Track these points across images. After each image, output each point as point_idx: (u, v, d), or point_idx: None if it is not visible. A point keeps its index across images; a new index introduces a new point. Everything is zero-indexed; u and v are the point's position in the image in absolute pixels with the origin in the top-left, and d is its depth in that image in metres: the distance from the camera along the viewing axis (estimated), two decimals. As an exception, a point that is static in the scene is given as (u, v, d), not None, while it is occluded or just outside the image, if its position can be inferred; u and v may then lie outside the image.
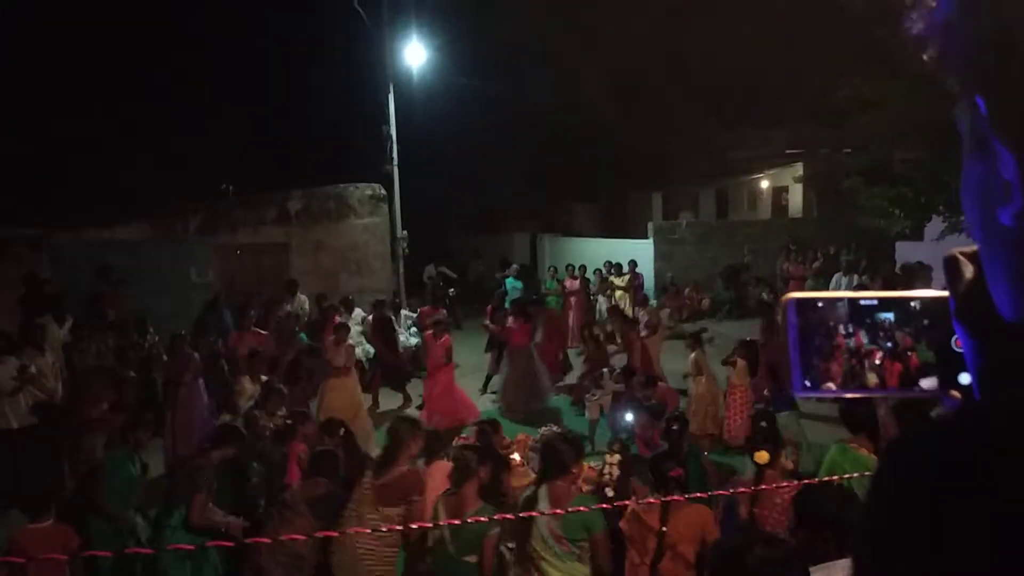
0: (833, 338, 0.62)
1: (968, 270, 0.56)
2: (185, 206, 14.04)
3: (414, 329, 13.63)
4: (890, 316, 0.62)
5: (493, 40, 21.27)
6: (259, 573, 4.36)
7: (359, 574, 4.33)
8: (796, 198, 21.85)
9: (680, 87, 21.05)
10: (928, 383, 0.61)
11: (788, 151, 20.88)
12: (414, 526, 4.15)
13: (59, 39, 16.84)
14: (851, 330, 0.62)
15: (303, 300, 12.66)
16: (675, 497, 3.73)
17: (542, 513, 3.62)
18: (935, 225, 12.01)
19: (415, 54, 14.61)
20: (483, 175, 26.10)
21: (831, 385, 0.62)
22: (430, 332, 9.76)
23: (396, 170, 14.52)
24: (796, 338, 0.63)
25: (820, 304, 0.63)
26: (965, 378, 0.59)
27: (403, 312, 13.80)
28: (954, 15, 0.51)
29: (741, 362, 8.13)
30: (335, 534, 4.11)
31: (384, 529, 4.08)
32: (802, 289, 11.82)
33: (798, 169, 20.60)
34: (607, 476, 5.13)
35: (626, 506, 3.98)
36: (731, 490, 4.10)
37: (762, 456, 4.14)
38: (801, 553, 2.55)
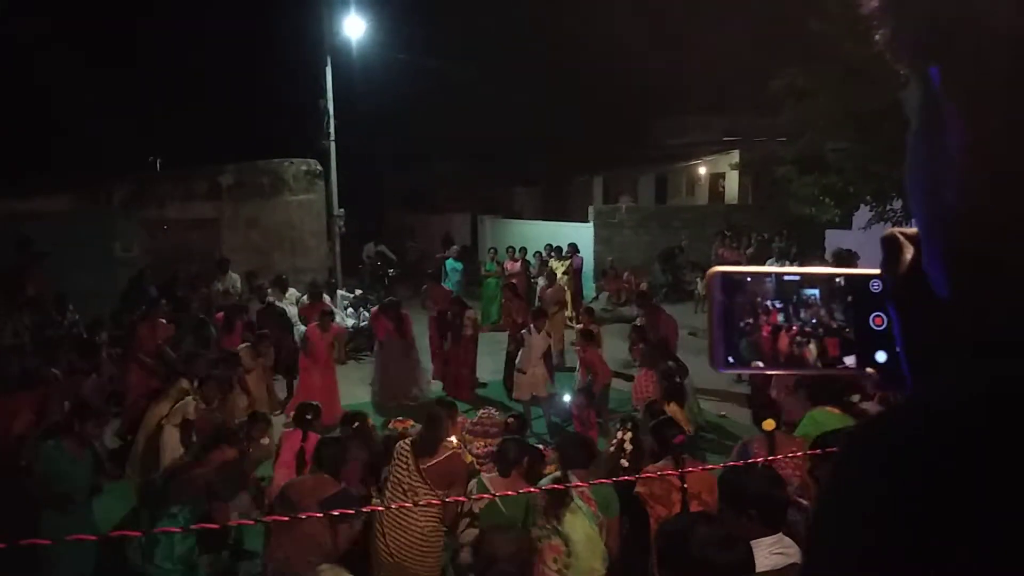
0: (758, 314, 0.59)
1: (908, 251, 0.57)
2: (110, 178, 13.41)
3: (350, 311, 13.43)
4: (815, 292, 0.60)
5: (436, 16, 20.99)
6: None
7: (411, 561, 4.29)
8: (732, 185, 22.34)
9: (621, 73, 21.20)
10: (850, 360, 0.60)
11: (725, 138, 21.30)
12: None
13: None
14: (776, 306, 0.60)
15: (235, 278, 12.29)
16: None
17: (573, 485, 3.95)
18: (863, 214, 12.44)
19: (353, 26, 14.25)
20: (423, 154, 25.86)
21: (758, 363, 0.59)
22: (315, 325, 9.13)
23: (333, 146, 14.19)
24: (721, 313, 0.60)
25: (747, 279, 0.60)
26: (881, 356, 0.60)
27: (339, 292, 13.57)
28: None
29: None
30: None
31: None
32: (736, 274, 12.09)
33: (735, 156, 21.03)
34: (624, 451, 5.24)
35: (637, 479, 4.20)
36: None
37: (769, 424, 4.41)
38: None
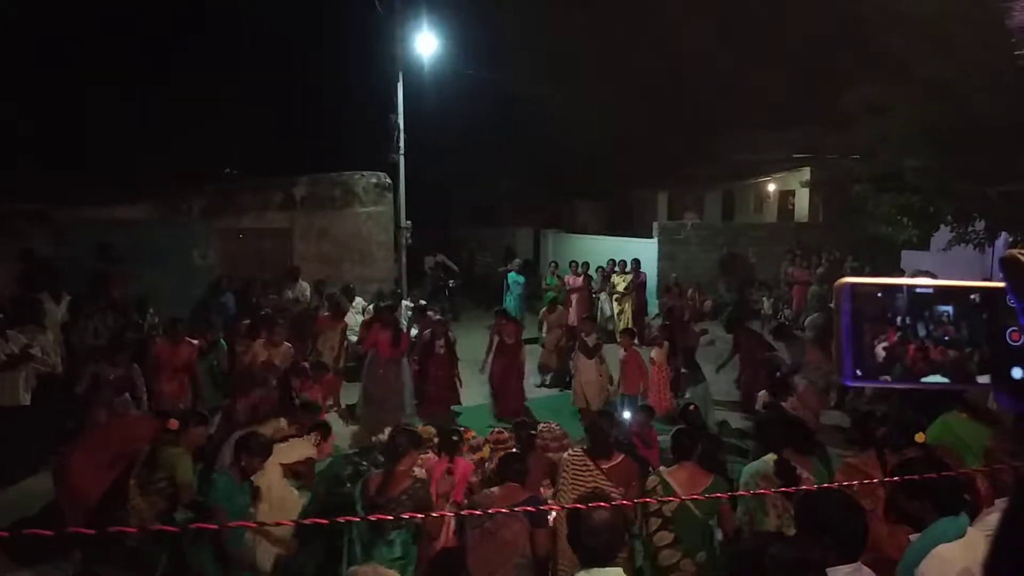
0: (889, 328, 0.58)
1: None
2: (190, 188, 13.98)
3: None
4: (948, 309, 0.59)
5: (504, 34, 21.21)
6: None
7: None
8: (802, 202, 21.79)
9: (689, 88, 20.98)
10: (984, 377, 0.58)
11: (796, 155, 20.80)
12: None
13: (77, 13, 16.74)
14: (908, 320, 0.58)
15: (304, 287, 12.64)
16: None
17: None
18: (942, 235, 11.96)
19: (426, 44, 14.50)
20: (489, 168, 26.08)
21: (886, 377, 0.58)
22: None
23: (402, 160, 14.43)
24: (849, 325, 0.59)
25: (878, 292, 0.59)
26: (1018, 372, 0.59)
27: (404, 303, 13.76)
28: None
29: (665, 344, 9.39)
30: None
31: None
32: (805, 293, 11.80)
33: (805, 174, 20.53)
34: None
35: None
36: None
37: (920, 436, 4.33)
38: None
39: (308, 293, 12.61)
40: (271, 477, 5.08)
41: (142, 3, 18.11)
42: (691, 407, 6.84)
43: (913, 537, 2.84)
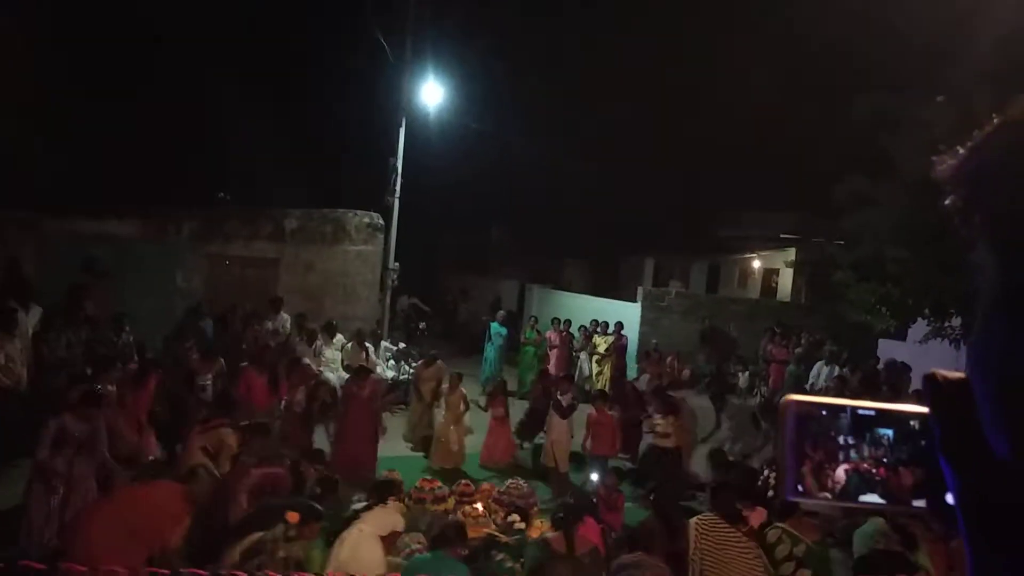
0: (830, 447, 0.62)
1: (953, 400, 0.56)
2: (182, 209, 13.99)
3: (391, 362, 13.55)
4: (889, 432, 0.62)
5: (508, 91, 21.70)
6: None
7: None
8: (786, 282, 22.11)
9: (685, 161, 21.49)
10: (919, 502, 0.61)
11: (782, 235, 21.21)
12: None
13: (76, 28, 16.95)
14: (849, 441, 0.62)
15: (285, 318, 12.57)
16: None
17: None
18: (919, 327, 12.15)
19: (431, 93, 14.83)
20: (480, 219, 26.37)
21: (826, 495, 0.61)
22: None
23: (397, 202, 14.60)
24: (793, 441, 0.62)
25: (822, 411, 0.63)
26: (952, 499, 0.60)
27: (383, 343, 13.72)
28: (991, 169, 0.51)
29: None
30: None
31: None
32: (782, 372, 11.87)
33: (790, 254, 20.89)
34: None
35: None
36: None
37: None
38: None
39: (288, 325, 12.54)
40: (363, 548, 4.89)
41: (157, 22, 18.33)
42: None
43: None
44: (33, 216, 11.45)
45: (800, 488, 0.63)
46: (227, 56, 20.20)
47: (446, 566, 4.50)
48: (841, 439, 0.63)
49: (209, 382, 8.60)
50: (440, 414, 10.15)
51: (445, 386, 10.24)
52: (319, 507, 5.19)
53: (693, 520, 4.85)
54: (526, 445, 10.59)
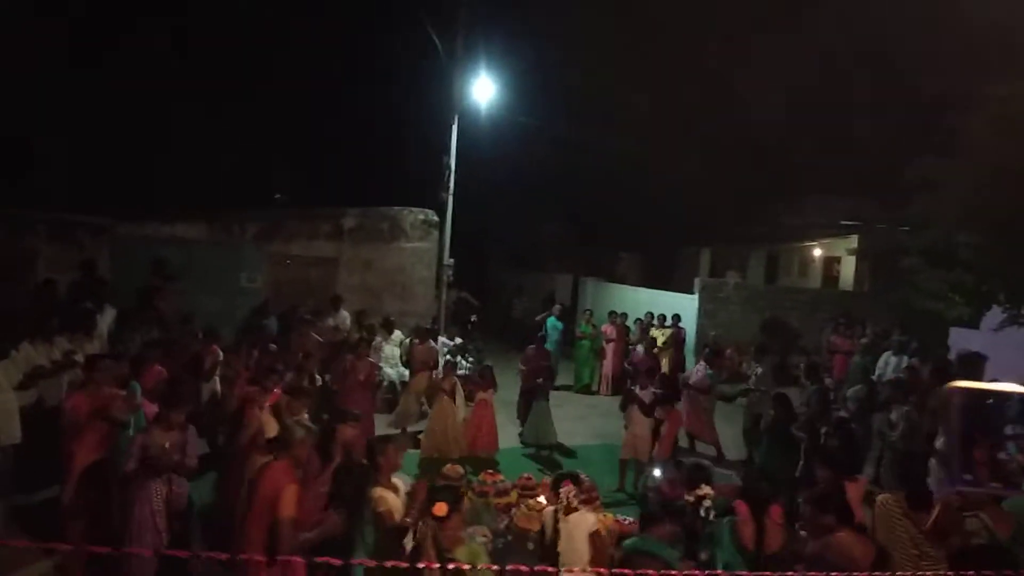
0: (1001, 434, 0.60)
1: None
2: (246, 212, 14.37)
3: (449, 357, 13.67)
4: None
5: (560, 84, 21.61)
6: None
7: None
8: (848, 270, 21.49)
9: (742, 147, 21.04)
10: None
11: (843, 222, 20.60)
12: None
13: (147, 38, 17.53)
14: (1020, 429, 0.60)
15: (345, 316, 12.84)
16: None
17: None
18: (994, 314, 11.68)
19: (483, 89, 14.87)
20: (534, 213, 26.35)
21: (996, 484, 0.60)
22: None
23: (451, 199, 14.70)
24: (960, 429, 0.61)
25: (989, 398, 0.61)
26: None
27: (440, 339, 13.86)
28: None
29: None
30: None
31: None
32: (846, 363, 11.59)
33: (852, 241, 20.30)
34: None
35: None
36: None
37: None
38: None
39: (348, 322, 12.80)
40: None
41: (218, 33, 18.84)
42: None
43: None
44: (107, 221, 11.91)
45: (967, 477, 0.61)
46: (281, 59, 20.68)
47: (657, 547, 4.35)
48: (1010, 427, 0.61)
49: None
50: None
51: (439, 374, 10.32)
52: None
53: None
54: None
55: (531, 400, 10.67)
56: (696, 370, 11.45)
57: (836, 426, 7.93)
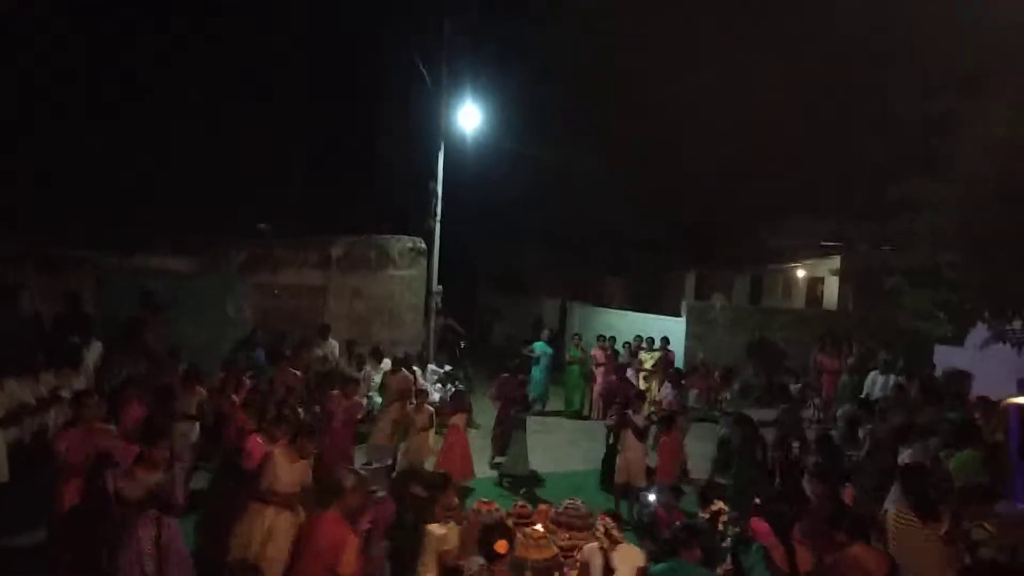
0: None
1: None
2: (231, 242, 14.29)
3: (438, 385, 13.60)
4: None
5: (544, 111, 21.83)
6: None
7: None
8: (832, 290, 21.72)
9: (720, 170, 21.31)
10: None
11: (825, 243, 20.85)
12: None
13: (129, 63, 17.55)
14: None
15: (333, 345, 12.75)
16: None
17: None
18: (978, 332, 11.82)
19: (468, 117, 14.99)
20: (520, 238, 26.46)
21: None
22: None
23: (438, 226, 14.74)
24: (1019, 445, 0.61)
25: None
26: None
27: (429, 367, 13.80)
28: None
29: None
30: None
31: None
32: (835, 384, 11.65)
33: (835, 262, 20.52)
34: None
35: None
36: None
37: None
38: None
39: (336, 352, 12.72)
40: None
41: (201, 62, 18.88)
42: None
43: None
44: (92, 253, 11.81)
45: None
46: (266, 86, 20.74)
47: (690, 571, 4.42)
48: None
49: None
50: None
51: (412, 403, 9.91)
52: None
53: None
54: (498, 459, 10.57)
55: (506, 430, 10.56)
56: (664, 394, 11.42)
57: (818, 441, 7.97)
